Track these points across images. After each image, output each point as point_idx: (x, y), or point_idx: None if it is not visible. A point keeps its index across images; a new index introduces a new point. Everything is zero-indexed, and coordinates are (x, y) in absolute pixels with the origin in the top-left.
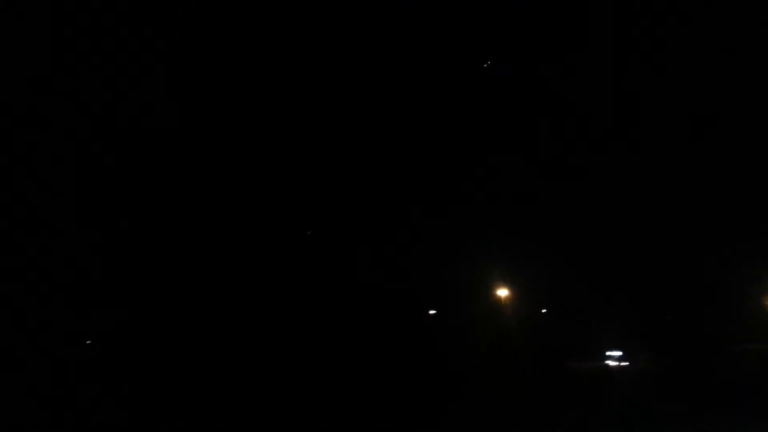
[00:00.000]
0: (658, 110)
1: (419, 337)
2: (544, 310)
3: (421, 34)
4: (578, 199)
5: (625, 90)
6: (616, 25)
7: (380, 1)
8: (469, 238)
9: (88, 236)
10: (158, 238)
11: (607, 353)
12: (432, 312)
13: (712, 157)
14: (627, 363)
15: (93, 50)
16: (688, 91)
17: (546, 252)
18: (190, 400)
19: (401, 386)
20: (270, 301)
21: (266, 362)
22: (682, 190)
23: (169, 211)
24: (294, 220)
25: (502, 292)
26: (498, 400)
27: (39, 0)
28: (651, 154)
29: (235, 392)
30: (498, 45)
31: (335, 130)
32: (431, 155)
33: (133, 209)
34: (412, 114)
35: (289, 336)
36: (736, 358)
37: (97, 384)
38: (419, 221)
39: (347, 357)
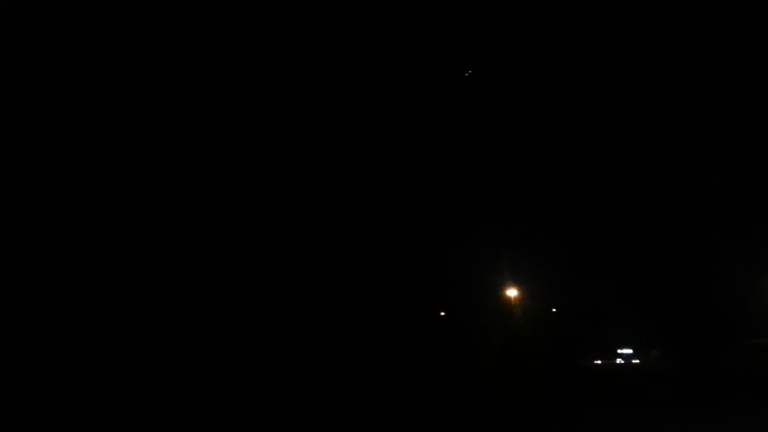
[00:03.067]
0: (664, 111)
1: (430, 338)
2: (554, 309)
3: (421, 34)
4: (587, 199)
5: (633, 88)
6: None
7: (380, 0)
8: (478, 239)
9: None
10: (162, 238)
11: (618, 351)
12: (443, 313)
13: (722, 156)
14: (638, 360)
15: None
16: (696, 86)
17: (555, 251)
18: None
19: (412, 385)
20: (280, 300)
21: (273, 362)
22: (691, 190)
23: (176, 209)
24: (305, 222)
25: (512, 292)
26: (509, 398)
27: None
28: (659, 154)
29: (237, 393)
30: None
31: (339, 132)
32: (440, 158)
33: (141, 207)
34: (419, 116)
35: (301, 335)
36: (745, 352)
37: (95, 383)
38: (429, 224)
39: (358, 357)
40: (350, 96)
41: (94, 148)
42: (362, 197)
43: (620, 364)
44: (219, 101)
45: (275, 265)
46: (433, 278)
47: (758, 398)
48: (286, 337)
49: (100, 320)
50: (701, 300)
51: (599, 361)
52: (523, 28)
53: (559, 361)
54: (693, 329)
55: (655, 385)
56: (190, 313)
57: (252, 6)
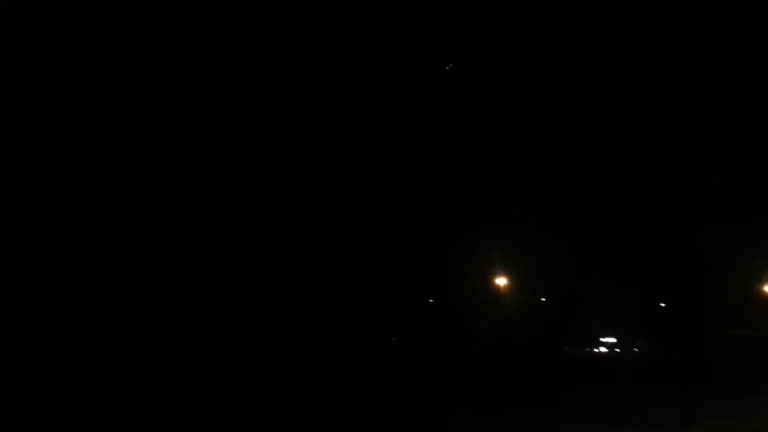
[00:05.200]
0: (655, 107)
1: (418, 325)
2: (543, 299)
3: (423, 33)
4: (575, 189)
5: (624, 87)
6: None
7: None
8: (468, 227)
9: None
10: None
11: (602, 339)
12: (431, 300)
13: (710, 147)
14: (620, 350)
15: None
16: (685, 89)
17: (544, 241)
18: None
19: (400, 372)
20: (272, 292)
21: (268, 353)
22: (678, 180)
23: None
24: (297, 209)
25: (501, 281)
26: (495, 385)
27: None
28: (647, 145)
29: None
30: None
31: (338, 130)
32: (433, 149)
33: (141, 207)
34: (416, 113)
35: (291, 325)
36: (728, 344)
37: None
38: (419, 212)
39: (347, 345)
40: (357, 92)
41: (93, 147)
42: (356, 186)
43: (602, 352)
44: (219, 101)
45: (264, 253)
46: (423, 265)
47: (736, 384)
48: (272, 321)
49: (100, 320)
50: (685, 292)
51: (582, 350)
52: (523, 28)
53: (543, 349)
54: (676, 320)
55: (633, 373)
56: (188, 305)
57: (252, 6)
